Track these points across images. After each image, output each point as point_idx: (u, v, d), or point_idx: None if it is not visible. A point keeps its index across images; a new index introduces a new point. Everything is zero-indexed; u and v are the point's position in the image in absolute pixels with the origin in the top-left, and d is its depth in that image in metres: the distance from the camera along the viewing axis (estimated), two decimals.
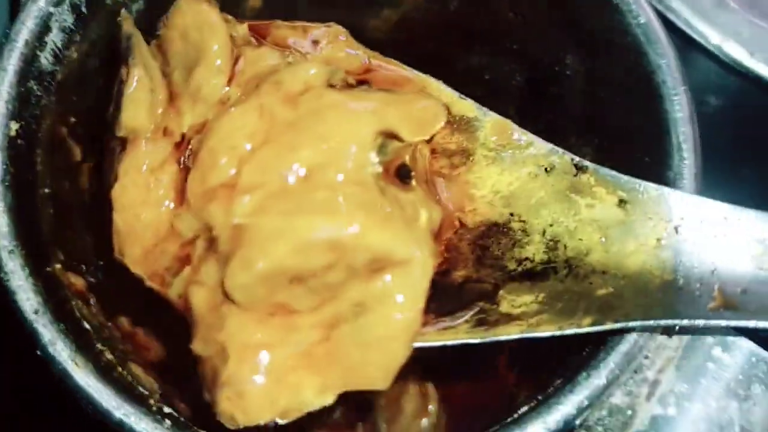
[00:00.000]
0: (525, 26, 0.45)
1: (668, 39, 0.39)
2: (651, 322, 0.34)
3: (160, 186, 0.36)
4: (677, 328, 0.35)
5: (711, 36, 0.50)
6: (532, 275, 0.37)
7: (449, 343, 0.36)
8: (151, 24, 0.42)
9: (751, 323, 0.32)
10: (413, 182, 0.37)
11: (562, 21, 0.43)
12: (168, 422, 0.31)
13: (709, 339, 0.36)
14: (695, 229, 0.35)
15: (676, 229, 0.36)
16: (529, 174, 0.39)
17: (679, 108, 0.38)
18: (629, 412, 0.34)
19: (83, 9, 0.39)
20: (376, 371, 0.34)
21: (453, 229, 0.39)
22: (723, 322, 0.33)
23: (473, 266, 0.38)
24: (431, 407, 0.55)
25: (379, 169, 0.35)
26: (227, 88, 0.36)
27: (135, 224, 0.36)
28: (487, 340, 0.36)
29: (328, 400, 0.34)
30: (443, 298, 0.37)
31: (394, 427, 0.51)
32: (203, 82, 0.36)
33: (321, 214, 0.32)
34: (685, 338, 0.36)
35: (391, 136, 0.36)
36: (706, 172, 0.39)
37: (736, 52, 0.50)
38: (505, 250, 0.38)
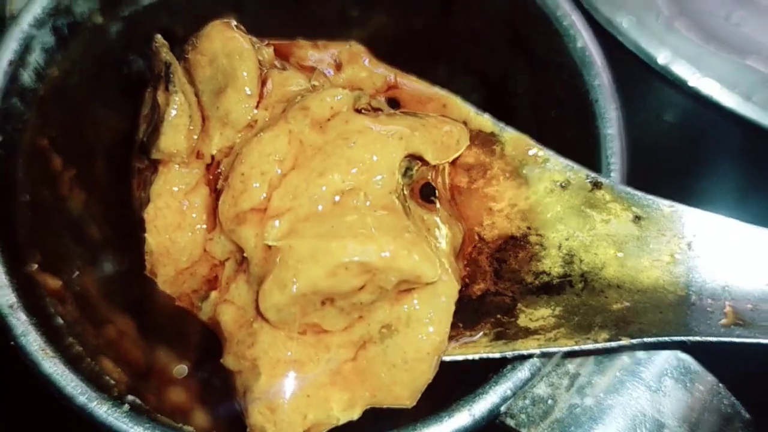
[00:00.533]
0: (480, 45, 0.48)
1: (604, 62, 0.42)
2: (666, 339, 0.34)
3: (193, 209, 0.37)
4: (689, 343, 0.35)
5: (659, 57, 0.52)
6: (548, 288, 0.38)
7: (470, 357, 0.37)
8: (129, 43, 0.45)
9: (763, 340, 0.33)
10: (437, 202, 0.38)
11: (512, 41, 0.46)
12: (126, 406, 0.34)
13: None
14: (708, 246, 0.36)
15: (689, 245, 0.37)
16: (545, 189, 0.40)
17: (610, 125, 0.40)
18: (550, 402, 0.36)
19: (65, 31, 0.41)
20: (403, 390, 0.35)
21: (472, 243, 0.40)
22: (734, 339, 0.34)
23: (491, 279, 0.39)
24: None
25: (406, 191, 0.36)
26: (255, 111, 0.36)
27: (170, 247, 0.37)
28: (507, 353, 0.36)
29: (355, 415, 0.35)
30: (464, 311, 0.38)
31: None
32: (232, 107, 0.36)
33: (353, 237, 0.33)
34: None
35: (416, 158, 0.36)
36: (660, 186, 0.40)
37: (682, 72, 0.52)
38: (522, 263, 0.39)
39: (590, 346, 0.35)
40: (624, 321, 0.36)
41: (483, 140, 0.41)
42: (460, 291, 0.37)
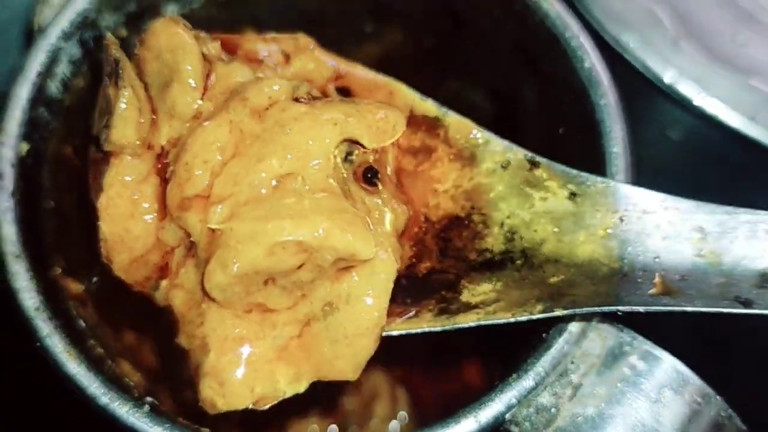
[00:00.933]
0: (490, 63, 0.50)
1: (611, 81, 0.43)
2: (596, 309, 0.36)
3: (144, 199, 0.39)
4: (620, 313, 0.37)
5: (665, 76, 0.53)
6: (491, 265, 0.40)
7: (413, 331, 0.39)
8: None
9: (688, 308, 0.35)
10: (379, 184, 0.39)
11: (521, 59, 0.47)
12: (147, 407, 0.35)
13: (631, 350, 0.39)
14: (638, 219, 0.38)
15: (621, 219, 0.38)
16: (487, 169, 0.41)
17: (615, 144, 0.42)
18: (553, 410, 0.37)
19: (91, 43, 0.44)
20: (345, 364, 0.37)
21: (419, 224, 0.42)
22: (662, 308, 0.35)
23: (437, 258, 0.41)
24: (402, 412, 0.59)
25: (345, 174, 0.38)
26: (200, 102, 0.38)
27: (124, 236, 0.39)
28: (448, 327, 0.38)
29: (300, 389, 0.38)
30: (410, 289, 0.40)
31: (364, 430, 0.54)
32: (177, 99, 0.38)
33: (289, 218, 0.35)
34: (608, 347, 0.39)
35: (355, 143, 0.38)
36: None
37: (687, 91, 0.54)
38: (466, 241, 0.41)
39: (525, 317, 0.37)
40: (559, 294, 0.37)
41: (428, 125, 0.43)
42: (408, 269, 0.39)
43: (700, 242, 0.37)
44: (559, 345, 0.37)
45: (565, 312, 0.37)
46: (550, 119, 0.45)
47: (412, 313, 0.39)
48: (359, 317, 0.37)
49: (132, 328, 0.46)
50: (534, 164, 0.41)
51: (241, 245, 0.35)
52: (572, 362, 0.38)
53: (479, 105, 0.49)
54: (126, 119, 0.38)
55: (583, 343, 0.39)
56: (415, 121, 0.43)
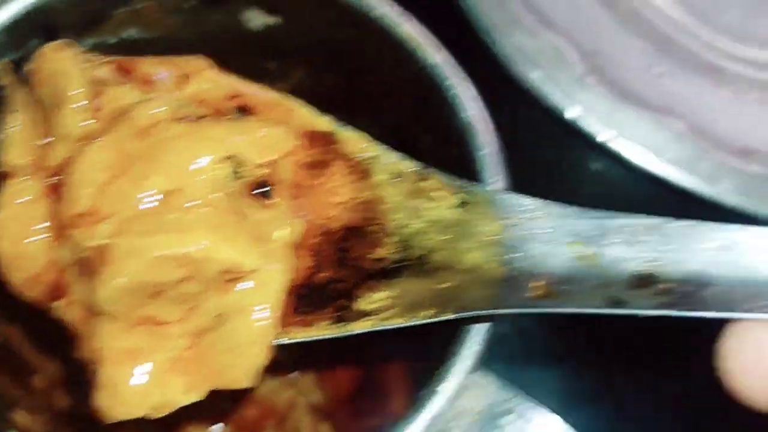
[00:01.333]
0: (391, 104, 0.52)
1: (492, 132, 0.45)
2: (483, 312, 0.38)
3: (37, 219, 0.40)
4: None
5: (568, 111, 0.55)
6: (386, 273, 0.41)
7: (310, 339, 0.40)
8: None
9: (567, 310, 0.37)
10: (274, 197, 0.41)
11: (416, 104, 0.49)
12: None
13: (511, 407, 0.40)
14: (521, 226, 0.40)
15: (505, 226, 0.40)
16: (381, 181, 0.43)
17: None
18: None
19: None
20: (240, 373, 0.38)
21: (316, 235, 0.43)
22: (542, 310, 0.37)
23: (335, 268, 0.42)
24: None
25: (233, 189, 0.39)
26: (91, 122, 0.39)
27: (19, 255, 0.40)
28: (342, 334, 0.40)
29: (197, 397, 0.39)
30: (308, 298, 0.41)
31: None
32: (66, 121, 0.39)
33: (169, 233, 0.36)
34: (487, 404, 0.41)
35: (241, 160, 0.40)
36: None
37: (592, 127, 0.56)
38: (363, 251, 0.42)
39: (418, 322, 0.39)
40: (449, 299, 0.39)
41: (325, 140, 0.44)
42: (307, 279, 0.41)
43: (579, 246, 0.38)
44: (434, 404, 0.39)
45: (454, 316, 0.38)
46: (444, 162, 0.46)
47: (309, 322, 0.41)
48: (250, 327, 0.38)
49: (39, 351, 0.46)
50: (424, 176, 0.42)
51: (124, 260, 0.36)
52: (451, 420, 0.39)
53: (385, 140, 0.51)
54: (16, 142, 0.40)
55: (460, 400, 0.40)
56: (312, 137, 0.44)
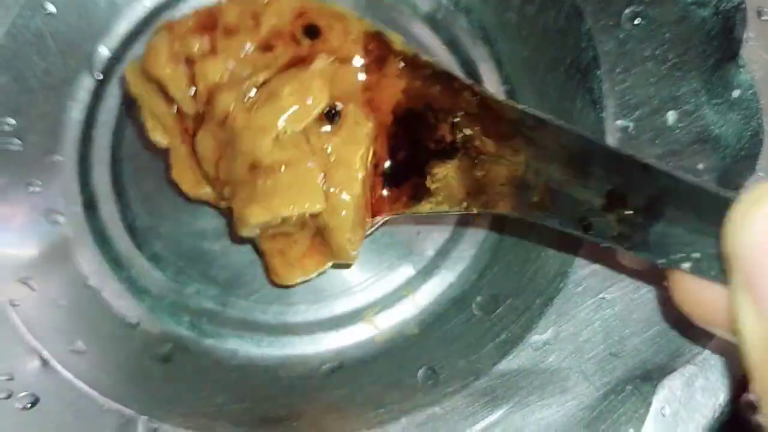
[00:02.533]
0: None
1: None
2: (504, 213, 0.45)
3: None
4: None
5: None
6: (444, 153, 0.48)
7: (394, 215, 0.50)
8: None
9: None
10: (344, 112, 0.49)
11: None
12: None
13: None
14: None
15: None
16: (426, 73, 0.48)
17: None
18: None
19: None
20: (348, 251, 0.51)
21: (387, 124, 0.50)
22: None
23: (408, 148, 0.50)
24: None
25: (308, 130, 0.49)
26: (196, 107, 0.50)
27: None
28: (414, 212, 0.49)
29: (322, 270, 0.53)
30: (392, 177, 0.50)
31: None
32: (182, 105, 0.51)
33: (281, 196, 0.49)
34: None
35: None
36: None
37: None
38: (426, 132, 0.49)
39: (456, 212, 0.48)
40: (478, 192, 0.47)
41: (378, 40, 0.50)
42: (390, 157, 0.49)
43: None
44: None
45: (478, 210, 0.47)
46: None
47: (393, 199, 0.50)
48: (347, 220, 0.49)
49: None
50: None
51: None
52: None
53: None
54: (155, 127, 0.54)
55: None
56: (369, 38, 0.50)
